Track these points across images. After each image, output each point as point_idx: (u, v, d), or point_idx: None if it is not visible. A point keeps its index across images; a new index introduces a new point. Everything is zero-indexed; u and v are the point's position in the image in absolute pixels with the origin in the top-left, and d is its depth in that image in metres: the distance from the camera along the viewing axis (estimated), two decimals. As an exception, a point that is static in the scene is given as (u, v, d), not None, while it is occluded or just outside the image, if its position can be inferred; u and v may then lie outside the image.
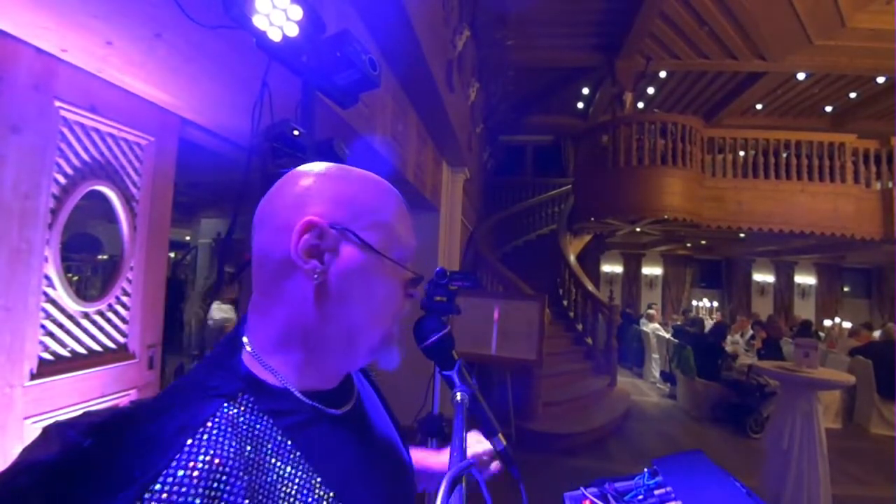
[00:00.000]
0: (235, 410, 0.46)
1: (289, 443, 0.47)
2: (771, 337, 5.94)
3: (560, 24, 5.99)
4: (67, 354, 1.54)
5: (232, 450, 0.42)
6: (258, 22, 1.06)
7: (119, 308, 1.75)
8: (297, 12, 1.10)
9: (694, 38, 6.19)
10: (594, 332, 6.19)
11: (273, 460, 0.45)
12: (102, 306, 1.68)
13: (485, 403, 0.62)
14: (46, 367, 1.47)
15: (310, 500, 0.46)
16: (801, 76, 7.19)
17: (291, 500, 0.45)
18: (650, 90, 8.18)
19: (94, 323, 1.64)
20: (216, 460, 0.41)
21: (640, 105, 8.24)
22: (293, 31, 1.10)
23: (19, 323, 1.38)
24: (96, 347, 1.65)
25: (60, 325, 1.52)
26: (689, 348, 5.80)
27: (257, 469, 0.44)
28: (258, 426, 0.46)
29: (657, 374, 7.29)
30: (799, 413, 3.06)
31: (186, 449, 0.40)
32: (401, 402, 0.78)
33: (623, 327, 7.78)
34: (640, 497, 0.81)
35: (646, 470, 0.87)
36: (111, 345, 1.72)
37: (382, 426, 0.63)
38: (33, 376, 1.42)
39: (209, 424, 0.43)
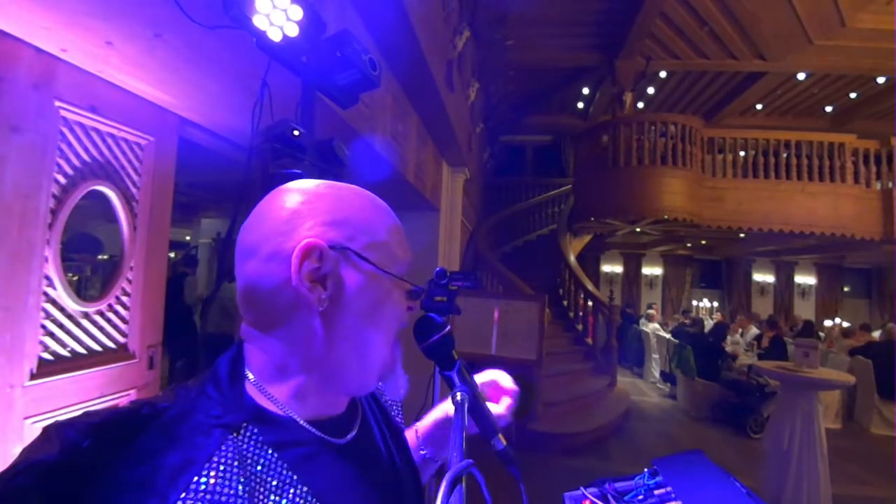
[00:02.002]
0: (240, 444, 0.44)
1: (294, 477, 0.46)
2: (778, 336, 5.94)
3: (560, 24, 5.99)
4: (67, 354, 1.54)
5: (239, 488, 0.41)
6: (258, 22, 1.06)
7: (119, 308, 1.75)
8: (297, 12, 1.10)
9: (694, 38, 6.19)
10: (594, 332, 6.19)
11: (278, 497, 0.44)
12: (102, 306, 1.68)
13: (485, 403, 0.62)
14: (46, 367, 1.46)
15: None
16: (801, 76, 7.19)
17: None
18: (650, 90, 8.18)
19: (94, 323, 1.64)
20: (210, 482, 0.40)
21: (640, 105, 8.24)
22: (293, 31, 1.10)
23: (19, 323, 1.38)
24: (96, 347, 1.65)
25: (60, 325, 1.52)
26: (689, 348, 5.80)
27: (260, 498, 0.43)
28: (262, 460, 0.45)
29: (657, 374, 7.29)
30: (799, 413, 3.06)
31: (192, 487, 0.39)
32: (401, 402, 0.77)
33: (623, 327, 7.78)
34: (640, 497, 0.81)
35: (646, 470, 0.87)
36: (111, 345, 1.72)
37: (389, 452, 0.61)
38: (33, 376, 1.42)
39: (215, 460, 0.41)
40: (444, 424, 0.73)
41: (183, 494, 0.39)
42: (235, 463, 0.42)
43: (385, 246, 0.51)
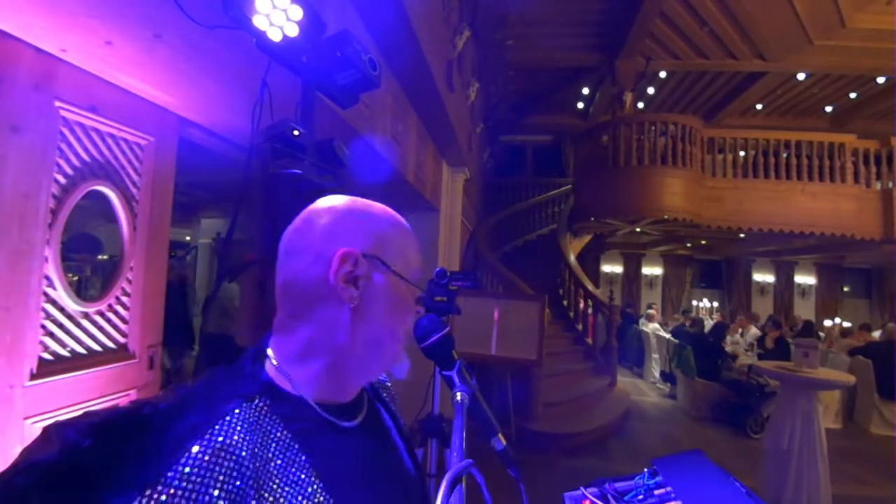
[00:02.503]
0: (251, 411, 0.49)
1: (296, 446, 0.50)
2: (781, 337, 5.94)
3: (560, 24, 5.99)
4: (67, 354, 1.54)
5: (243, 439, 0.45)
6: (258, 22, 1.06)
7: (119, 308, 1.75)
8: (297, 12, 1.10)
9: (694, 38, 6.19)
10: (594, 332, 6.18)
11: (279, 460, 0.48)
12: (102, 306, 1.68)
13: (485, 403, 0.62)
14: (46, 367, 1.46)
15: (306, 502, 0.47)
16: (801, 76, 7.19)
17: (291, 499, 0.46)
18: (650, 90, 8.18)
19: (94, 323, 1.64)
20: (227, 441, 0.44)
21: (640, 105, 8.24)
22: (293, 31, 1.10)
23: (19, 323, 1.38)
24: (96, 347, 1.65)
25: (60, 326, 1.52)
26: (689, 348, 5.80)
27: (263, 463, 0.46)
28: (269, 427, 0.50)
29: (657, 374, 7.29)
30: (799, 413, 3.06)
31: (207, 437, 0.44)
32: (401, 402, 0.77)
33: (623, 327, 7.78)
34: (640, 497, 0.81)
35: (646, 470, 0.87)
36: (111, 345, 1.72)
37: (391, 444, 0.66)
38: (33, 376, 1.42)
39: (227, 419, 0.46)
40: None
41: (196, 447, 0.42)
42: (244, 423, 0.47)
43: (405, 256, 0.59)
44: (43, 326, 1.46)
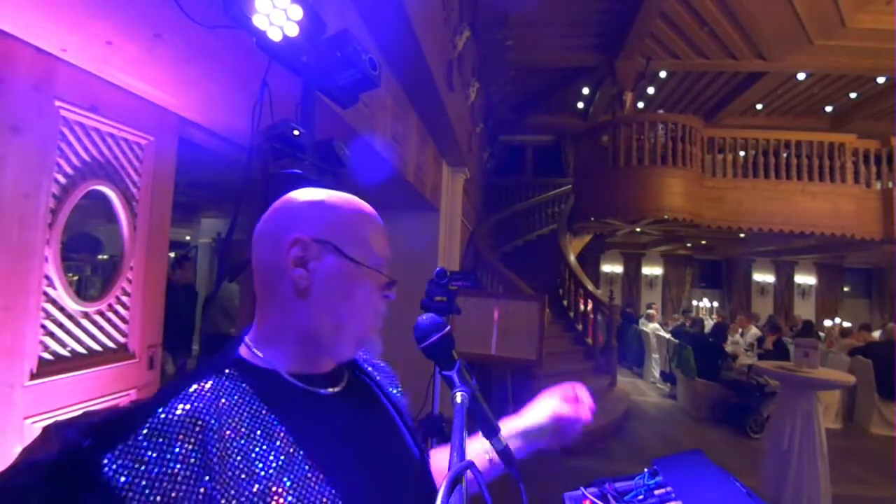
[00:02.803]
0: (220, 382, 0.52)
1: (270, 415, 0.51)
2: (779, 339, 5.94)
3: (560, 24, 5.99)
4: (67, 354, 1.54)
5: (208, 406, 0.48)
6: (258, 22, 1.06)
7: (119, 308, 1.75)
8: (298, 12, 1.10)
9: (694, 38, 6.19)
10: (594, 331, 6.19)
11: (250, 427, 0.50)
12: (102, 306, 1.68)
13: (485, 403, 0.62)
14: (46, 367, 1.46)
15: (285, 467, 0.48)
16: (801, 76, 7.19)
17: (269, 469, 0.48)
18: (650, 90, 8.18)
19: (94, 323, 1.64)
20: (193, 406, 0.47)
21: (640, 105, 8.24)
22: (293, 31, 1.10)
23: (19, 323, 1.38)
24: (96, 347, 1.65)
25: (60, 325, 1.52)
26: (689, 348, 5.80)
27: (233, 429, 0.48)
28: (241, 398, 0.52)
29: (657, 374, 7.29)
30: (799, 413, 3.06)
31: (171, 406, 0.46)
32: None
33: (623, 327, 7.78)
34: (641, 497, 0.81)
35: (646, 470, 0.87)
36: (111, 345, 1.72)
37: (382, 412, 0.67)
38: (33, 376, 1.42)
39: (193, 387, 0.50)
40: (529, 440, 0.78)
41: (162, 412, 0.45)
42: (210, 393, 0.50)
43: (363, 242, 0.61)
44: (43, 326, 1.46)
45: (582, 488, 0.83)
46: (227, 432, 0.47)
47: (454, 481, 0.42)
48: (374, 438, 0.61)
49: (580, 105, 9.20)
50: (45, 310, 1.46)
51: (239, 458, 0.47)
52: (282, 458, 0.49)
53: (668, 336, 7.09)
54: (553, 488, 0.91)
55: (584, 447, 4.34)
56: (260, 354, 0.58)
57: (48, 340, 1.48)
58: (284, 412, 0.52)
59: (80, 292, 1.64)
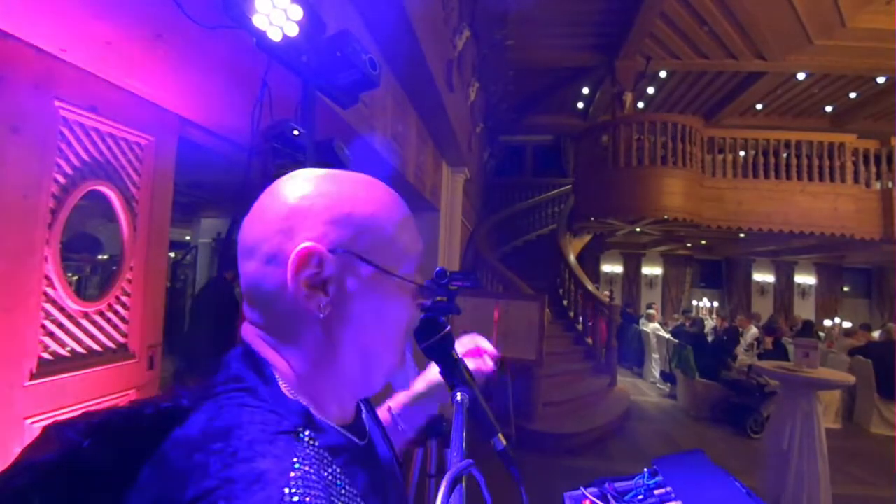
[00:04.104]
0: (306, 450, 0.40)
1: (346, 478, 0.43)
2: (778, 340, 5.94)
3: (560, 24, 5.99)
4: (67, 354, 1.54)
5: (321, 493, 0.38)
6: (258, 22, 1.06)
7: (119, 308, 1.75)
8: (298, 12, 1.10)
9: (694, 38, 6.19)
10: (594, 332, 6.19)
11: (338, 496, 0.42)
12: (102, 306, 1.68)
13: (485, 403, 0.61)
14: (46, 367, 1.46)
15: None
16: (801, 76, 7.19)
17: None
18: (650, 90, 8.18)
19: (94, 323, 1.64)
20: (311, 476, 0.38)
21: (641, 105, 8.24)
22: (293, 31, 1.10)
23: (19, 323, 1.38)
24: (96, 347, 1.65)
25: (60, 325, 1.52)
26: (689, 348, 5.80)
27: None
28: (322, 463, 0.41)
29: (657, 374, 7.29)
30: (799, 413, 3.06)
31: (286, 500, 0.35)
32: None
33: (623, 327, 7.78)
34: (640, 497, 0.81)
35: (646, 470, 0.87)
36: (111, 345, 1.72)
37: (388, 447, 0.62)
38: (33, 376, 1.42)
39: (296, 466, 0.37)
40: (419, 403, 0.76)
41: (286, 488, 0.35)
42: (312, 469, 0.39)
43: (391, 242, 0.47)
44: (43, 326, 1.46)
45: (582, 488, 0.83)
46: None
47: (454, 481, 0.42)
48: (390, 485, 0.56)
49: (580, 105, 9.20)
50: (45, 310, 1.46)
51: None
52: None
53: (668, 336, 7.09)
54: (553, 488, 0.91)
55: (584, 447, 4.34)
56: (309, 400, 0.46)
57: (48, 340, 1.48)
58: (352, 474, 0.44)
59: (80, 292, 1.64)
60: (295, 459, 0.37)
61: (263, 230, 0.46)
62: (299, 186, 0.47)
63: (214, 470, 0.35)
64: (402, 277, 0.48)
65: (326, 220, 0.45)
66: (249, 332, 0.49)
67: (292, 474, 0.36)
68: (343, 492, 0.42)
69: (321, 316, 0.44)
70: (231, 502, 0.33)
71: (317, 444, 0.42)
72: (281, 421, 0.41)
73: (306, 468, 0.38)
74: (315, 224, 0.45)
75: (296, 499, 0.35)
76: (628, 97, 6.92)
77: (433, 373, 0.76)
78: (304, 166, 1.06)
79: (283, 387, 0.45)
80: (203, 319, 3.88)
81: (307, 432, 0.42)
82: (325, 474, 0.40)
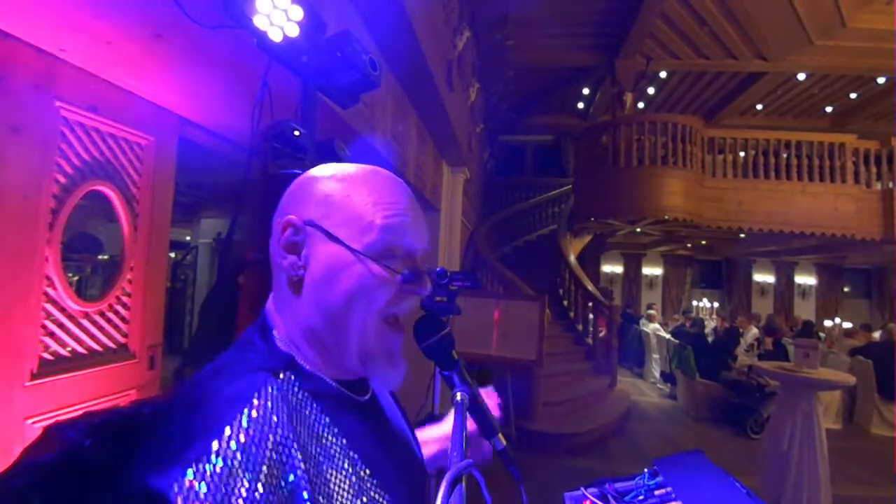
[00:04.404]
0: (279, 384, 0.47)
1: (327, 419, 0.49)
2: (778, 340, 5.94)
3: (560, 24, 5.99)
4: (68, 354, 1.54)
5: (284, 423, 0.44)
6: (259, 22, 1.06)
7: (119, 308, 1.75)
8: (298, 12, 1.10)
9: (694, 38, 6.19)
10: (594, 332, 6.19)
11: (317, 435, 0.47)
12: (103, 306, 1.68)
13: (485, 404, 0.62)
14: (46, 367, 1.46)
15: (350, 473, 0.48)
16: (801, 76, 7.19)
17: (335, 471, 0.47)
18: (650, 90, 8.18)
19: (94, 323, 1.64)
20: (270, 435, 0.42)
21: (641, 105, 8.24)
22: (294, 31, 1.10)
23: (19, 323, 1.38)
24: (97, 347, 1.65)
25: (61, 325, 1.52)
26: (689, 348, 5.80)
27: (306, 441, 0.46)
28: (299, 401, 0.48)
29: (657, 374, 7.29)
30: (799, 413, 3.06)
31: (238, 419, 0.42)
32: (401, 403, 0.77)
33: (623, 327, 7.78)
34: (641, 497, 0.81)
35: (646, 470, 0.87)
36: (111, 345, 1.71)
37: (398, 422, 0.65)
38: (33, 376, 1.42)
39: (258, 396, 0.44)
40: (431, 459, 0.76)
41: (228, 429, 0.41)
42: (279, 402, 0.45)
43: (371, 227, 0.51)
44: (43, 326, 1.46)
45: (582, 488, 0.83)
46: (303, 444, 0.45)
47: (454, 481, 0.42)
48: (399, 448, 0.60)
49: (580, 105, 9.20)
50: (45, 310, 1.46)
51: (314, 469, 0.45)
52: (345, 465, 0.48)
53: (668, 336, 7.09)
54: (553, 488, 0.91)
55: (584, 447, 4.34)
56: (298, 352, 0.53)
57: (49, 340, 1.48)
58: (337, 419, 0.50)
59: (81, 292, 1.64)
60: (258, 393, 0.45)
61: (279, 208, 0.56)
62: (304, 176, 0.57)
63: (196, 393, 0.45)
64: (363, 253, 0.51)
65: (312, 200, 0.53)
66: (267, 302, 0.57)
67: (253, 400, 0.44)
68: (323, 432, 0.48)
69: (292, 274, 0.52)
70: (193, 412, 0.43)
71: (296, 386, 0.49)
72: (265, 362, 0.49)
73: (271, 399, 0.45)
74: (302, 202, 0.54)
75: (248, 419, 0.42)
76: (628, 97, 6.92)
77: (446, 428, 0.78)
78: (304, 166, 1.06)
79: (279, 342, 0.53)
80: (214, 318, 3.88)
81: (289, 374, 0.50)
82: (303, 413, 0.48)
